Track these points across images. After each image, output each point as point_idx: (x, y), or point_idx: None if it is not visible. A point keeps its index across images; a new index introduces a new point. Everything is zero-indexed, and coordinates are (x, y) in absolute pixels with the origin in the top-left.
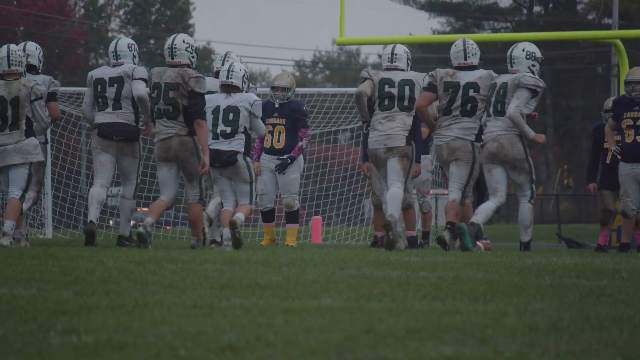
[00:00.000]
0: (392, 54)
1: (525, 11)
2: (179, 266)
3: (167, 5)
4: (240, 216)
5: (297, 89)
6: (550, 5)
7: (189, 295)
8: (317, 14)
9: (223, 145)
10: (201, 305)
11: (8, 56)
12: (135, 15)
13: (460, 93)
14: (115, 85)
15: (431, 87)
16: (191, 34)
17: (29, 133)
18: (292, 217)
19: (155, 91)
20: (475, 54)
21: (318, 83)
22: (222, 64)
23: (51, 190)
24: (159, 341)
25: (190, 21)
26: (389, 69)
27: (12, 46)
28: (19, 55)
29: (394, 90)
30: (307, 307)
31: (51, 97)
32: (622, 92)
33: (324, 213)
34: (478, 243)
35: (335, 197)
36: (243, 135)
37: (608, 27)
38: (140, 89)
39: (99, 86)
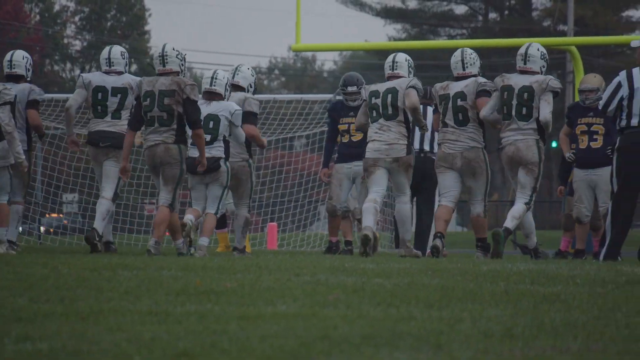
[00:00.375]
0: (393, 62)
1: (480, 18)
2: (134, 273)
3: (123, 12)
4: (204, 241)
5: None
6: (506, 12)
7: (144, 302)
8: (273, 20)
9: None
10: (156, 311)
11: None
12: (90, 21)
13: (450, 104)
14: (119, 95)
15: (436, 108)
16: (147, 41)
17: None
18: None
19: (148, 99)
20: (474, 63)
21: (274, 89)
22: (233, 77)
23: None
24: (114, 348)
25: (146, 27)
26: (390, 77)
27: None
28: None
29: (379, 101)
30: (262, 313)
31: (29, 104)
32: (577, 98)
33: (279, 220)
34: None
35: (291, 203)
36: (222, 142)
37: (563, 33)
38: None
39: (100, 94)
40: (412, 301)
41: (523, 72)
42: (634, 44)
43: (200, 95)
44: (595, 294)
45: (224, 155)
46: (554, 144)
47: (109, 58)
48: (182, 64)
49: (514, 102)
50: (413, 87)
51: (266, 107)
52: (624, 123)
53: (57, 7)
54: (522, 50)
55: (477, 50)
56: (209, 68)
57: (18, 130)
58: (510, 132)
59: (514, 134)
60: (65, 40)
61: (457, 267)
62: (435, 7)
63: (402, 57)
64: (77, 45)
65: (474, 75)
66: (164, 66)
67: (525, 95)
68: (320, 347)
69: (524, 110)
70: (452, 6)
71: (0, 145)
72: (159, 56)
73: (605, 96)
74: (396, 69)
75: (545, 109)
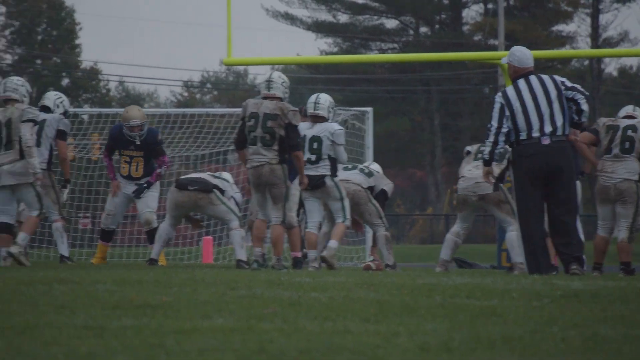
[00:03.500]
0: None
1: (411, 32)
2: (70, 287)
3: (54, 26)
4: (332, 245)
5: (186, 110)
6: (437, 26)
7: (80, 316)
8: (205, 34)
9: (311, 171)
10: (92, 326)
11: (4, 84)
12: (21, 35)
13: (619, 133)
14: None
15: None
16: (78, 55)
17: (24, 154)
18: (154, 236)
19: (253, 120)
20: None
21: (206, 103)
22: (314, 109)
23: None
24: None
25: (77, 41)
26: None
27: (12, 77)
28: (14, 83)
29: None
30: (198, 327)
31: (59, 135)
32: None
33: (214, 233)
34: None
35: None
36: (328, 160)
37: (494, 48)
38: None
39: None
40: (349, 315)
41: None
42: (504, 60)
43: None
44: (531, 307)
45: (329, 173)
46: None
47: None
48: (286, 91)
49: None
50: None
51: (199, 121)
52: (512, 138)
53: None
54: None
55: (409, 64)
56: (143, 82)
57: (43, 149)
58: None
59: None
60: None
61: (394, 281)
62: (366, 22)
63: None
64: (8, 59)
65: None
66: (268, 91)
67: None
68: None
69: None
70: (383, 20)
71: (20, 163)
72: (266, 81)
73: (494, 122)
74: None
75: None
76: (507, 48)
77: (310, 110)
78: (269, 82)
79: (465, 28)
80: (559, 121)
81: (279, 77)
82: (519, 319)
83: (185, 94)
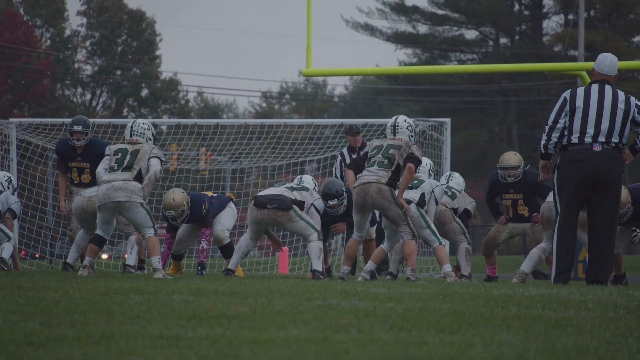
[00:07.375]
0: None
1: (491, 43)
2: (145, 297)
3: (134, 37)
4: (446, 270)
5: (264, 120)
6: (517, 37)
7: (156, 326)
8: (284, 45)
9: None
10: (168, 336)
11: (131, 127)
12: (101, 46)
13: None
14: None
15: None
16: (157, 65)
17: (138, 179)
18: (226, 252)
19: (375, 150)
20: None
21: (285, 114)
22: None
23: (17, 222)
24: None
25: (157, 52)
26: None
27: (138, 120)
28: (141, 127)
29: None
30: (273, 337)
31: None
32: None
33: (290, 244)
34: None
35: None
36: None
37: (574, 58)
38: None
39: None
40: (424, 326)
41: None
42: None
43: None
44: (607, 319)
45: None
46: None
47: None
48: (412, 135)
49: None
50: None
51: (277, 132)
52: (565, 140)
53: (67, 32)
54: None
55: (488, 75)
56: (221, 93)
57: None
58: None
59: None
60: (76, 65)
61: (469, 291)
62: (445, 32)
63: None
64: (88, 70)
65: None
66: (394, 135)
67: None
68: None
69: None
70: (463, 31)
71: (134, 183)
72: (392, 125)
73: (552, 116)
74: None
75: None
76: (587, 59)
77: (389, 134)
78: (394, 127)
79: (545, 39)
80: (615, 137)
81: (404, 122)
82: (594, 330)
83: (264, 104)
